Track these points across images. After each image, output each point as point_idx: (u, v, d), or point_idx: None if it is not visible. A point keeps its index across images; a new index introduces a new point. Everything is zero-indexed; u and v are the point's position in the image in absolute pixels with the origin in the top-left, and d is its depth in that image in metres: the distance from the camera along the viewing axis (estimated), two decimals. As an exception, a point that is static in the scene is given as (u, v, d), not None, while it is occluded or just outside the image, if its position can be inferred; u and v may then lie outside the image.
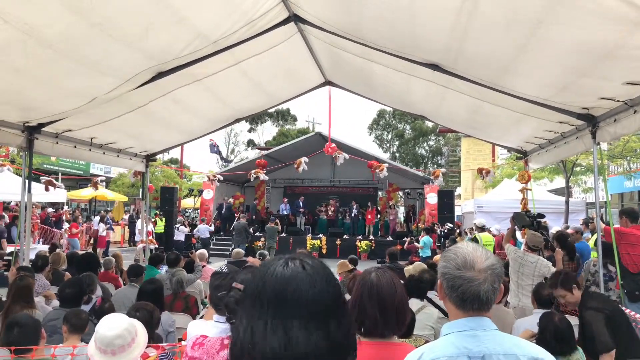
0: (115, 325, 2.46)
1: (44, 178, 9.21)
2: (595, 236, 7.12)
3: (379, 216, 22.48)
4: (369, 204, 22.34)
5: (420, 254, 14.09)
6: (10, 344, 3.15)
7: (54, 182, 9.42)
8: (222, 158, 33.84)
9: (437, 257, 8.50)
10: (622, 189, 21.44)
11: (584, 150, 6.79)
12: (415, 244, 15.34)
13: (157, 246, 16.31)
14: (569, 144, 6.61)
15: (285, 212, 22.67)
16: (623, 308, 5.40)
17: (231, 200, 22.82)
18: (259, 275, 1.10)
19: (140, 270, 6.29)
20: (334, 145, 11.54)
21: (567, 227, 11.17)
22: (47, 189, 8.90)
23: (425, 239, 14.53)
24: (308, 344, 1.01)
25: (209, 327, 2.34)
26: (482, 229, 11.20)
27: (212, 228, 20.32)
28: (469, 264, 1.61)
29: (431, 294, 4.98)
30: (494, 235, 11.35)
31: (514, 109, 6.16)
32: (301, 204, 22.90)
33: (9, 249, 12.19)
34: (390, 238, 20.57)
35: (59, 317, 3.86)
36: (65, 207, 24.05)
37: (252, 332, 1.03)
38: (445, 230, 16.77)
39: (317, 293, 1.06)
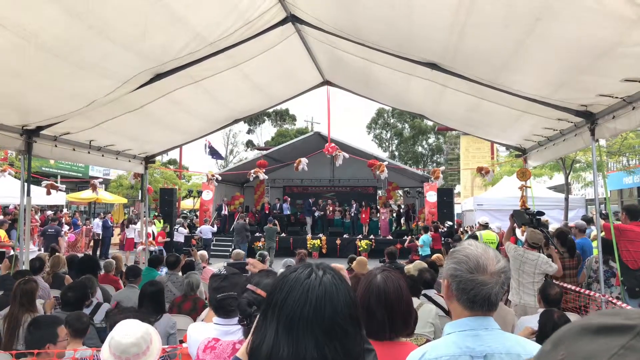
0: (132, 332, 2.44)
1: (45, 182, 9.19)
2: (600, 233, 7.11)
3: (378, 215, 22.49)
4: (364, 203, 22.37)
5: (420, 253, 14.08)
6: (28, 344, 3.15)
7: (56, 185, 9.41)
8: (217, 156, 32.97)
9: (435, 256, 8.48)
10: (622, 185, 21.47)
11: (583, 147, 6.79)
12: (416, 242, 15.31)
13: (156, 247, 16.31)
14: (568, 141, 6.61)
15: (287, 212, 22.64)
16: (624, 305, 5.42)
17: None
18: (280, 286, 1.12)
19: (138, 272, 6.30)
20: (333, 144, 11.54)
21: (567, 224, 11.16)
22: (48, 193, 8.89)
23: (424, 237, 14.51)
24: (320, 356, 1.02)
25: (210, 330, 2.34)
26: (485, 226, 11.19)
27: (215, 229, 20.29)
28: (482, 267, 1.59)
29: (430, 292, 5.00)
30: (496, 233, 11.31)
31: (512, 106, 6.16)
32: (311, 203, 22.86)
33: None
34: (390, 237, 20.58)
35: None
36: (65, 210, 24.04)
37: (270, 341, 1.05)
38: (445, 229, 16.74)
39: (335, 311, 1.08)
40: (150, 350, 2.48)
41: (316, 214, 22.50)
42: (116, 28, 4.40)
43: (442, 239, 15.19)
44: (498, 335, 1.58)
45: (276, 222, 18.52)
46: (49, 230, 16.08)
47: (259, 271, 2.46)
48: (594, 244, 7.74)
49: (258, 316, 1.18)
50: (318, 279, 1.11)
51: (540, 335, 3.39)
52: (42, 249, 15.22)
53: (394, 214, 23.11)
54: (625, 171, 20.12)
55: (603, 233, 6.12)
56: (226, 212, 22.38)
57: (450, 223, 17.35)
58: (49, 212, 20.59)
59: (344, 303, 1.10)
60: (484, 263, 1.59)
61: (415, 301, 4.17)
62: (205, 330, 2.37)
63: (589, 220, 10.27)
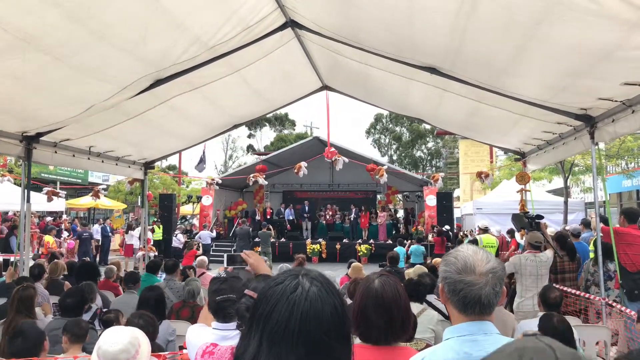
0: (119, 339, 2.41)
1: (46, 188, 9.19)
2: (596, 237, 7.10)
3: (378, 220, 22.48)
4: (363, 207, 22.37)
5: (412, 262, 13.70)
6: (14, 355, 3.12)
7: (57, 191, 9.42)
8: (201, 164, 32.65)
9: (436, 260, 8.48)
10: (621, 188, 21.47)
11: (583, 151, 6.80)
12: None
13: (155, 254, 16.31)
14: (568, 144, 6.62)
15: (290, 217, 22.62)
16: (622, 308, 5.41)
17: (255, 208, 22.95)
18: (265, 298, 1.10)
19: (137, 277, 6.29)
20: (333, 149, 11.52)
21: (565, 228, 11.15)
22: (50, 199, 8.89)
23: (413, 247, 14.27)
24: None
25: (208, 334, 2.34)
26: (484, 230, 11.19)
27: (214, 234, 20.27)
28: (470, 267, 1.59)
29: (430, 297, 4.98)
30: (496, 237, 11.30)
31: (511, 110, 6.17)
32: (307, 208, 22.88)
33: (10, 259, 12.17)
34: (390, 241, 20.54)
35: (61, 326, 3.84)
36: (64, 216, 23.99)
37: (252, 352, 1.04)
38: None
39: (319, 326, 1.05)
40: (140, 353, 2.47)
41: (317, 220, 22.49)
42: (117, 33, 4.41)
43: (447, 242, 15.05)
44: (496, 340, 1.57)
45: (270, 226, 18.50)
46: (84, 234, 16.86)
47: (257, 276, 2.45)
48: (591, 246, 7.73)
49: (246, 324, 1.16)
50: (304, 293, 1.08)
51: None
52: (77, 254, 15.89)
53: (394, 219, 23.07)
54: (624, 174, 20.12)
55: (601, 235, 6.11)
56: (259, 217, 22.36)
57: (447, 227, 17.30)
58: (49, 218, 20.56)
59: (330, 317, 1.07)
60: (471, 263, 1.59)
61: (418, 307, 4.16)
62: (204, 334, 2.37)
63: (587, 224, 10.26)
